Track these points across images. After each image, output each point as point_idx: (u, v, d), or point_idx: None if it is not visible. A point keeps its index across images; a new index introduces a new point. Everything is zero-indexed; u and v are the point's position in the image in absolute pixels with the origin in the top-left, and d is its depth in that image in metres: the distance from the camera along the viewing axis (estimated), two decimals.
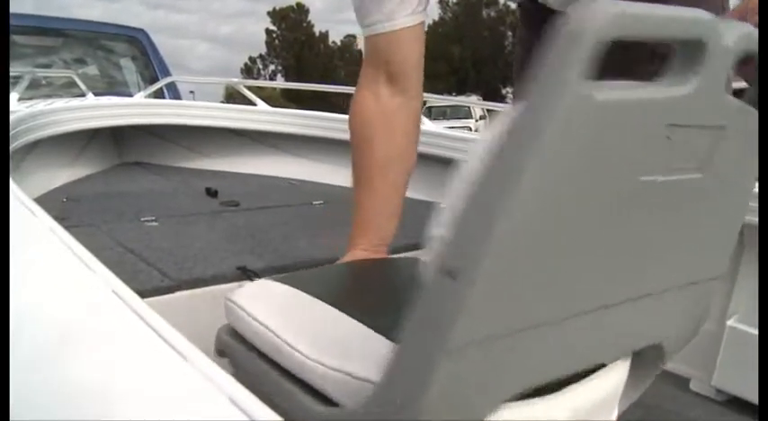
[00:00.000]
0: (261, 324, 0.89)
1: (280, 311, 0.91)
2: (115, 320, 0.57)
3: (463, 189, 0.56)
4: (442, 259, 0.56)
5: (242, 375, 0.91)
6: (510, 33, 48.27)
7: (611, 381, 0.83)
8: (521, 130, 0.52)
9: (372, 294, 1.05)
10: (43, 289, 0.66)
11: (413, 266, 1.13)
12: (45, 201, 0.97)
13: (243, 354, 0.92)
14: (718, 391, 1.56)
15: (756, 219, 1.50)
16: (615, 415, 0.89)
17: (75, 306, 0.62)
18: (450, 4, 51.84)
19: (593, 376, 0.80)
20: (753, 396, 1.47)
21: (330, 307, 0.87)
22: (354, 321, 0.83)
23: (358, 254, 1.19)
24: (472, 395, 0.63)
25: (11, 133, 1.80)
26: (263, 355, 0.88)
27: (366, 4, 1.18)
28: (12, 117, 1.90)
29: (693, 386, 1.62)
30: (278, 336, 0.84)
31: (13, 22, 4.12)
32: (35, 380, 0.51)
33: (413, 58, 1.21)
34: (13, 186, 1.03)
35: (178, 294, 1.34)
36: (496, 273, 0.55)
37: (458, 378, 0.59)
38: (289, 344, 0.82)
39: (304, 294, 0.93)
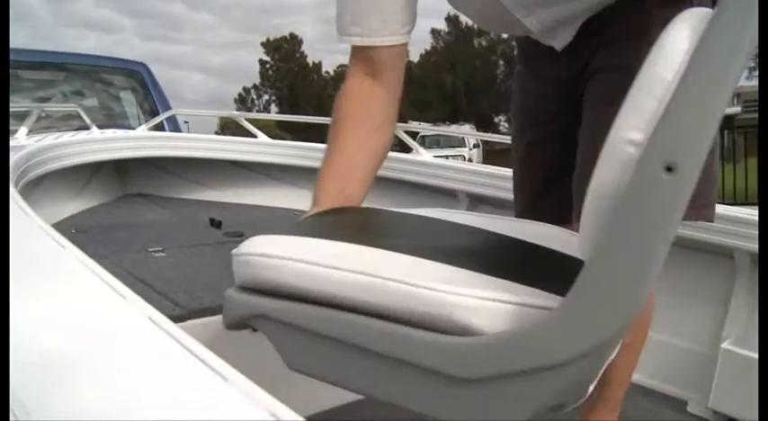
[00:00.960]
0: (318, 265, 0.78)
1: (318, 252, 0.81)
2: (154, 345, 0.61)
3: (663, 87, 0.62)
4: (659, 154, 0.60)
5: (291, 338, 0.85)
6: (502, 62, 48.80)
7: None
8: (723, 33, 0.58)
9: (375, 229, 1.01)
10: (83, 317, 0.70)
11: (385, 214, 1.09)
12: None
13: (295, 309, 0.82)
14: (715, 413, 1.60)
15: (749, 245, 1.55)
16: None
17: (115, 331, 0.65)
18: (441, 33, 52.43)
19: None
20: (748, 416, 1.51)
21: (351, 243, 0.82)
22: (398, 254, 0.78)
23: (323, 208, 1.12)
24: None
25: (23, 167, 1.85)
26: (326, 303, 0.79)
27: (347, 17, 1.18)
28: (22, 152, 1.95)
29: (691, 408, 1.65)
30: (360, 272, 0.75)
31: (15, 56, 4.22)
32: (76, 405, 0.54)
33: (391, 66, 1.22)
34: (36, 218, 1.07)
35: (189, 323, 1.37)
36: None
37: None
38: (384, 278, 0.74)
39: (314, 239, 0.86)
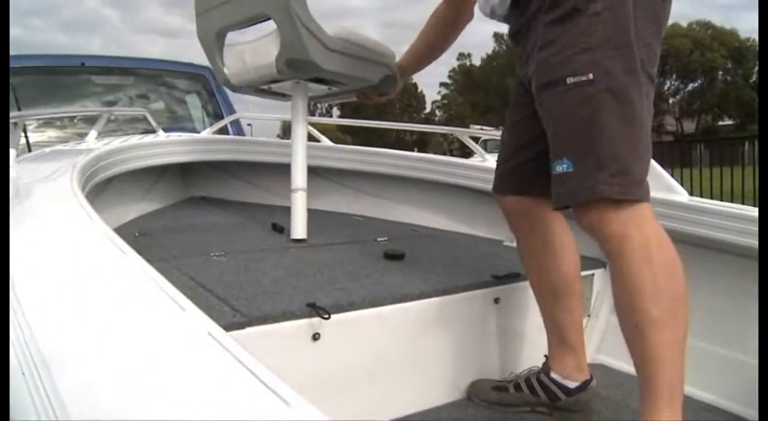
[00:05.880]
0: None
1: None
2: (213, 364, 0.58)
3: None
4: None
5: None
6: None
7: None
8: None
9: None
10: (139, 330, 0.68)
11: None
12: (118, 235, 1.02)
13: None
14: None
15: None
16: None
17: (173, 348, 0.63)
18: (504, 37, 51.96)
19: None
20: None
21: None
22: None
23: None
24: None
25: (90, 170, 1.87)
26: None
27: None
28: (90, 155, 1.98)
29: None
30: None
31: (87, 62, 4.36)
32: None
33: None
34: (100, 223, 1.07)
35: (248, 330, 1.35)
36: None
37: None
38: None
39: None
